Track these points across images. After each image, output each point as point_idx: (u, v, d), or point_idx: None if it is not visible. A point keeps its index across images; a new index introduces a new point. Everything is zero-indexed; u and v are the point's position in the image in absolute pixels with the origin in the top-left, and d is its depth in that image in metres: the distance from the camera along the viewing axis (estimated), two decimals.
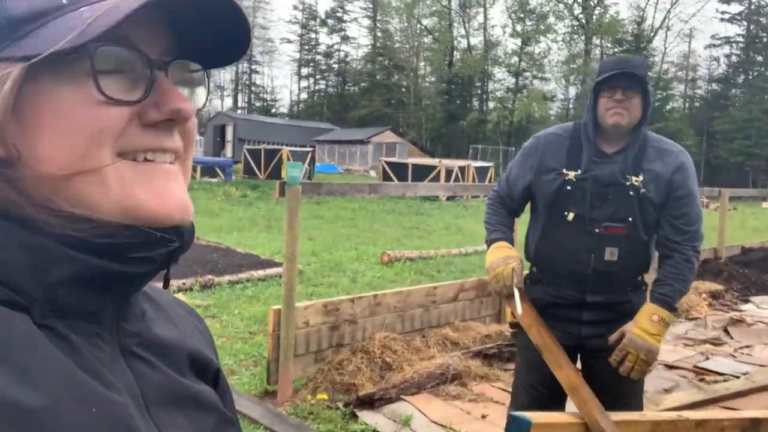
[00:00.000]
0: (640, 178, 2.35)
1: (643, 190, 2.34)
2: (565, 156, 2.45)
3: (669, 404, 3.95)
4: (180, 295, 6.42)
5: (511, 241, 2.57)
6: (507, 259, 2.42)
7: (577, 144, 2.47)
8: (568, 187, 2.40)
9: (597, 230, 2.36)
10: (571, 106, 57.55)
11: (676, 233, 2.41)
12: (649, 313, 2.35)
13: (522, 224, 3.27)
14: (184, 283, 6.83)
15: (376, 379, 4.22)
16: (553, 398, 2.47)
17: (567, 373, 2.32)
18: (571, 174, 2.40)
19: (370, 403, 3.91)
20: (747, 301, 7.66)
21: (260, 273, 7.65)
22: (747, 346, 5.77)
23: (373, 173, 32.92)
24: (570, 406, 2.40)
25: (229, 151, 41.70)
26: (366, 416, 3.82)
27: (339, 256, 9.59)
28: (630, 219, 2.35)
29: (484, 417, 3.88)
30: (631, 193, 2.35)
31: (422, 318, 5.02)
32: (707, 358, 5.35)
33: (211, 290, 6.93)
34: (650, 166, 2.38)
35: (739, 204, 25.63)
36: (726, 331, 6.24)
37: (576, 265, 2.41)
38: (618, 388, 2.44)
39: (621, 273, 2.41)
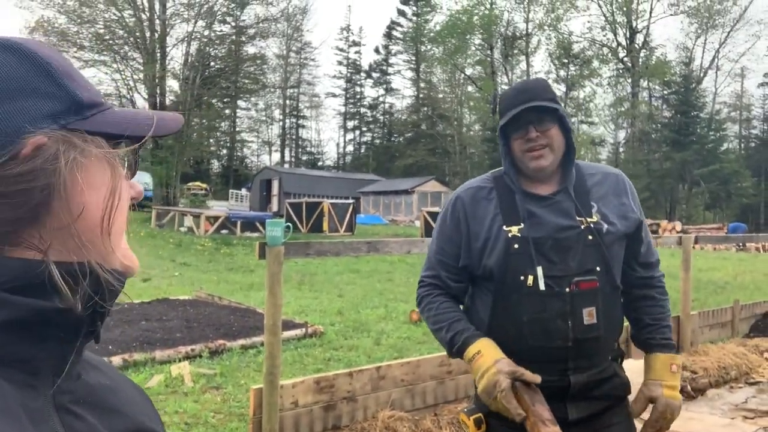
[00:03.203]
0: (594, 217, 1.92)
1: (606, 227, 1.91)
2: (498, 209, 1.95)
3: None
4: (185, 363, 6.01)
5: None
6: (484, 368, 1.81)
7: (505, 192, 1.97)
8: (516, 246, 1.88)
9: (567, 290, 1.85)
10: (620, 149, 56.38)
11: (644, 268, 2.06)
12: (667, 364, 1.99)
13: None
14: (192, 350, 6.41)
15: None
16: None
17: None
18: (514, 229, 1.90)
19: None
20: None
21: None
22: None
23: (418, 223, 32.48)
24: None
25: (275, 204, 41.93)
26: None
27: (366, 315, 9.07)
28: (598, 268, 1.88)
29: None
30: (590, 236, 1.89)
31: (436, 392, 4.45)
32: None
33: (221, 356, 6.49)
34: (599, 197, 1.97)
35: None
36: None
37: (552, 339, 1.86)
38: None
39: (602, 338, 1.90)
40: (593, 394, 1.92)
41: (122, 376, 0.79)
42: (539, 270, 1.85)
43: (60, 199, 0.60)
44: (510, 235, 1.89)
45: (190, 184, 40.79)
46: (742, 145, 61.15)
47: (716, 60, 53.83)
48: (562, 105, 1.99)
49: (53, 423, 0.60)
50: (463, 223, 1.98)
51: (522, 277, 1.87)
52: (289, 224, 3.56)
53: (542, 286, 1.85)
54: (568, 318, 1.85)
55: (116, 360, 5.86)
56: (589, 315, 1.86)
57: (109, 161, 0.65)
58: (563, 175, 1.98)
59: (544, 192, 1.95)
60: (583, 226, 1.90)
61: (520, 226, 1.89)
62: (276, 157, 71.02)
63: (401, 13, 68.59)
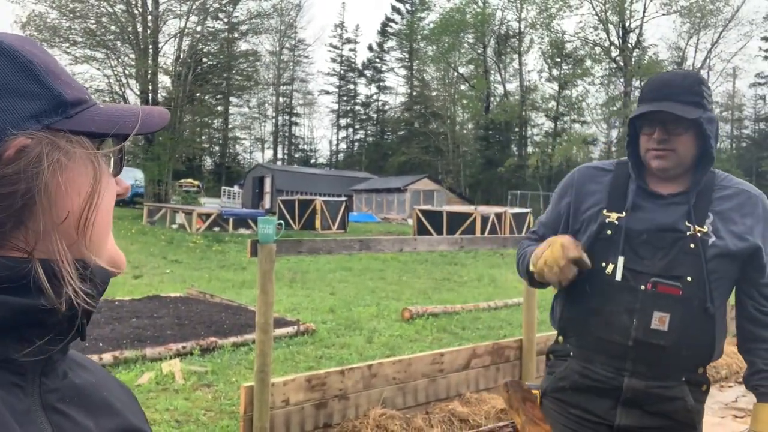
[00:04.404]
0: (706, 228, 1.81)
1: (713, 239, 1.80)
2: (605, 193, 1.93)
3: None
4: (176, 361, 5.98)
5: None
6: (548, 243, 1.85)
7: (621, 180, 1.94)
8: (609, 232, 1.86)
9: (643, 287, 1.80)
10: (613, 149, 56.55)
11: (766, 300, 1.87)
12: None
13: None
14: (183, 347, 6.39)
15: None
16: None
17: None
18: (613, 216, 1.87)
19: None
20: None
21: None
22: None
23: (410, 221, 32.48)
24: None
25: (267, 202, 41.82)
26: None
27: (358, 313, 9.06)
28: (689, 278, 1.78)
29: None
30: (692, 245, 1.80)
31: (427, 390, 4.44)
32: None
33: (212, 354, 6.46)
34: (720, 210, 1.85)
35: None
36: None
37: (612, 333, 1.83)
38: None
39: (671, 351, 1.80)
40: (649, 408, 1.85)
41: (108, 374, 0.78)
42: (621, 260, 1.83)
43: (43, 202, 0.58)
44: (607, 221, 1.87)
45: (182, 181, 40.66)
46: (734, 144, 61.47)
47: (708, 60, 53.97)
48: (709, 104, 1.83)
49: (41, 423, 0.59)
50: (569, 197, 1.99)
51: (603, 264, 1.86)
52: (281, 221, 3.54)
53: (618, 277, 1.83)
54: (635, 315, 1.81)
55: (107, 357, 5.83)
56: (659, 320, 1.79)
57: (93, 161, 0.63)
58: (691, 179, 1.88)
59: (665, 191, 1.88)
60: (688, 233, 1.81)
61: (620, 215, 1.87)
62: (269, 154, 70.93)
63: (395, 9, 68.57)
